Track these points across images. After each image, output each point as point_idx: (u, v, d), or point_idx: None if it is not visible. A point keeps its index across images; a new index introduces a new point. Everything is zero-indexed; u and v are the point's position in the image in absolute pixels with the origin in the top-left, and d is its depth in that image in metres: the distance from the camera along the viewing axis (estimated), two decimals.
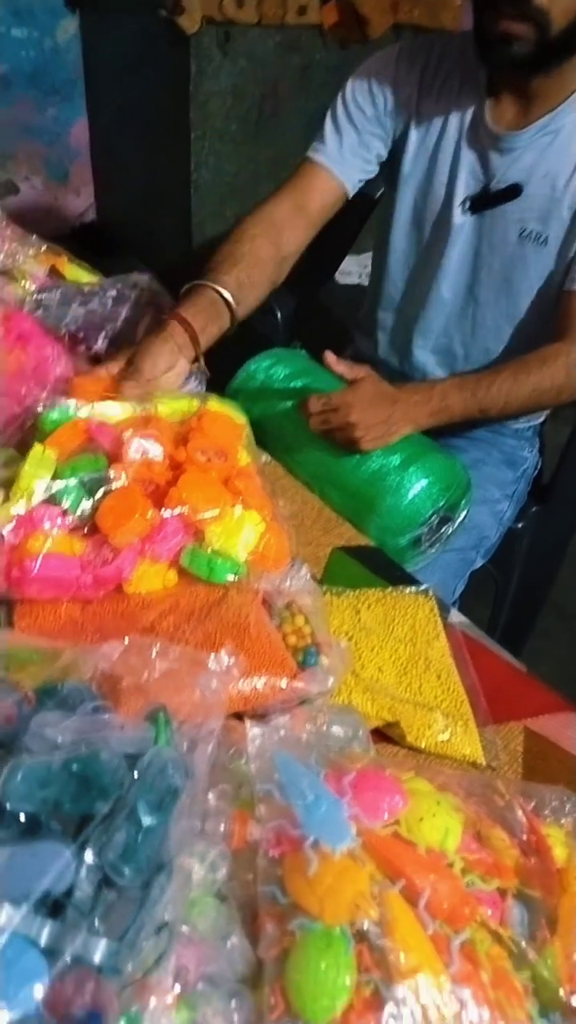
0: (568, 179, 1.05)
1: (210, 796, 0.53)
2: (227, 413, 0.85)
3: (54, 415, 0.80)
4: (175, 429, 0.80)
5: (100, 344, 1.08)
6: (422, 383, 1.08)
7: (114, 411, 0.81)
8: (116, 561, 0.67)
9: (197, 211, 2.42)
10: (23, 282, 1.20)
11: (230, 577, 0.71)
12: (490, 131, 1.08)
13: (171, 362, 0.96)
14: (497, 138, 1.07)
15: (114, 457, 0.75)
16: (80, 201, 2.95)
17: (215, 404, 0.85)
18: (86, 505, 0.71)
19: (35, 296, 1.15)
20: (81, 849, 0.44)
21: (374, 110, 1.15)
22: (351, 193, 1.19)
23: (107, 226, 2.93)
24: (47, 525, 0.69)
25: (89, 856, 0.44)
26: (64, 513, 0.71)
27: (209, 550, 0.71)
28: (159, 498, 0.72)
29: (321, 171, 1.17)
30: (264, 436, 1.07)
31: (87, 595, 0.68)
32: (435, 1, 2.28)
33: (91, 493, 0.72)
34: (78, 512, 0.71)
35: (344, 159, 1.17)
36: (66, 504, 0.71)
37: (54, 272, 1.32)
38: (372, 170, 1.20)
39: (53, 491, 0.71)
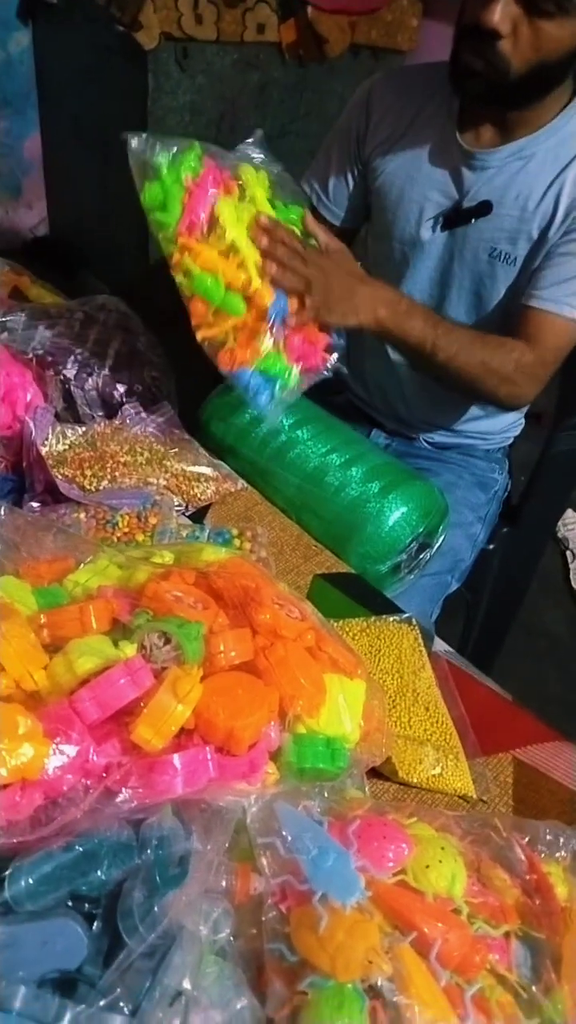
0: (538, 202, 1.06)
1: (211, 849, 0.52)
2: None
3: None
4: (195, 576, 0.63)
5: (69, 368, 1.06)
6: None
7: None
8: (251, 755, 0.53)
9: None
10: None
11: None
12: (464, 149, 1.10)
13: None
14: (470, 155, 1.09)
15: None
16: (33, 215, 2.90)
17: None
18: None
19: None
20: (89, 920, 0.42)
21: (353, 148, 1.21)
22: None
23: (61, 240, 2.88)
24: None
25: (98, 927, 0.42)
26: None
27: (321, 736, 0.58)
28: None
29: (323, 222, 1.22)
30: (238, 462, 1.06)
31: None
32: (392, 22, 2.30)
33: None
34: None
35: (334, 205, 1.26)
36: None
37: (16, 293, 1.29)
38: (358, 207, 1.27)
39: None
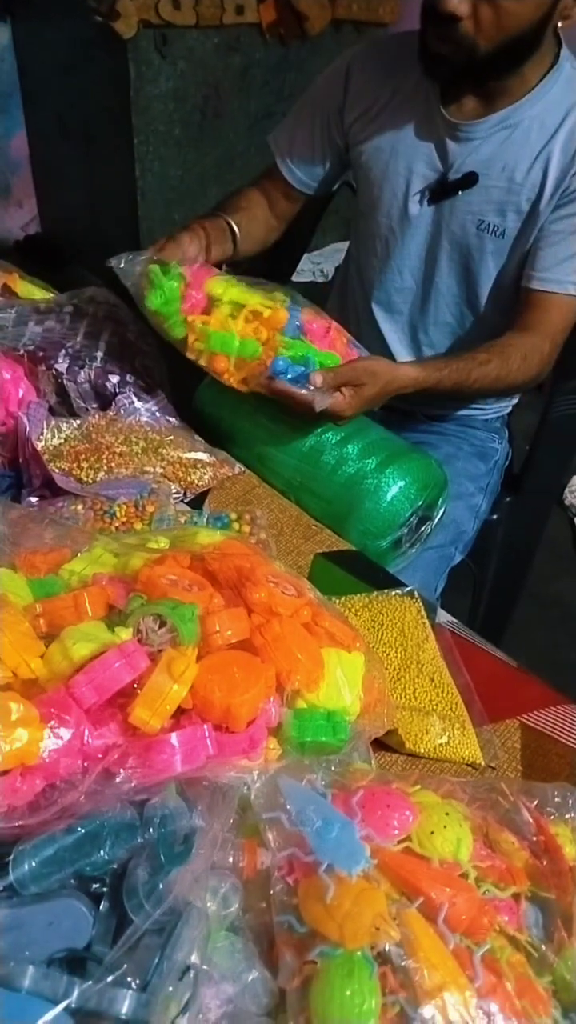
0: (526, 173, 1.05)
1: (216, 826, 0.52)
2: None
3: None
4: (190, 559, 0.64)
5: (61, 362, 1.06)
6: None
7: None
8: (250, 731, 0.53)
9: (145, 217, 2.39)
10: None
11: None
12: (448, 121, 1.08)
13: (198, 252, 1.05)
14: (455, 127, 1.08)
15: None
16: (23, 213, 2.90)
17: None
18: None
19: None
20: (96, 901, 0.43)
21: (329, 118, 1.19)
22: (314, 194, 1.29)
23: (53, 237, 2.88)
24: None
25: (105, 906, 0.43)
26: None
27: (321, 710, 0.59)
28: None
29: (281, 180, 1.25)
30: (234, 444, 1.06)
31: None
32: None
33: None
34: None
35: (295, 167, 1.25)
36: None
37: (6, 290, 1.29)
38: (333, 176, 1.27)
39: None
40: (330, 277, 2.65)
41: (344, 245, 1.43)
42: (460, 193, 1.10)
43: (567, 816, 0.60)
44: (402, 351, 1.27)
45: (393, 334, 1.27)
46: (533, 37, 0.97)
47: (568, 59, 1.05)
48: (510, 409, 1.34)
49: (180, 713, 0.51)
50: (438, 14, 0.93)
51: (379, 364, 1.01)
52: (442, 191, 1.12)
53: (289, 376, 0.93)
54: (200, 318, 0.96)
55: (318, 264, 2.76)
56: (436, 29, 0.96)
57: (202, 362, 0.97)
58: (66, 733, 0.43)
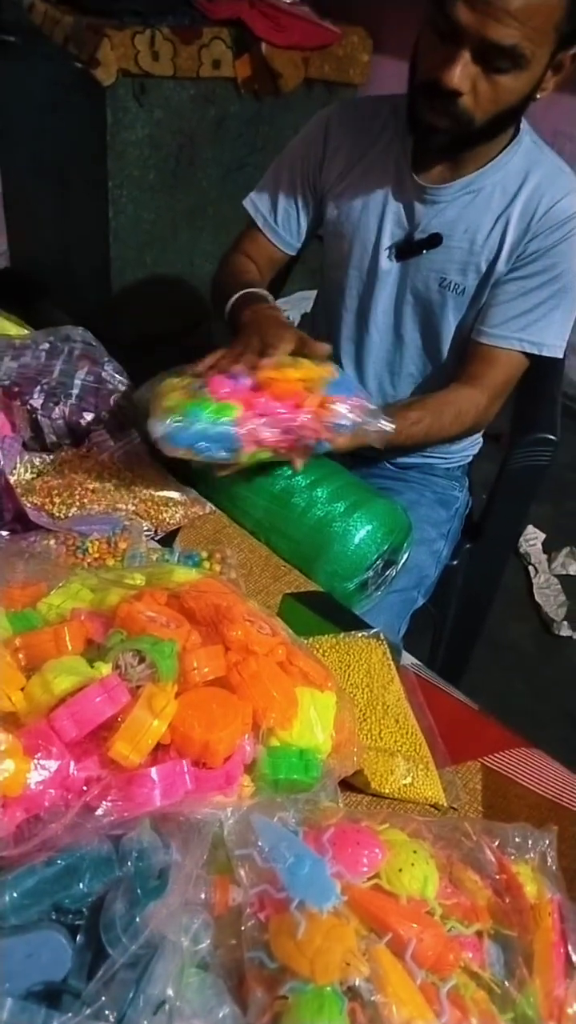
0: (487, 235, 1.11)
1: (189, 862, 0.53)
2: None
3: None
4: (167, 596, 0.64)
5: (36, 398, 1.07)
6: None
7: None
8: (226, 767, 0.54)
9: (116, 258, 2.43)
10: None
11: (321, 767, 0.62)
12: (416, 183, 1.14)
13: (293, 345, 1.03)
14: (423, 190, 1.13)
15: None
16: None
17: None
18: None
19: None
20: (73, 933, 0.43)
21: (309, 174, 1.24)
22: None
23: (22, 273, 2.90)
24: None
25: (81, 940, 0.43)
26: None
27: (295, 748, 0.59)
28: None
29: (267, 243, 1.31)
30: (206, 484, 1.08)
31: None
32: (344, 57, 2.37)
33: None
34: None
35: (280, 228, 1.30)
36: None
37: None
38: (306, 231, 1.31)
39: None
40: (296, 324, 2.71)
41: (310, 293, 1.47)
42: (425, 252, 1.15)
43: (527, 856, 0.62)
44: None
45: (361, 383, 1.31)
46: (520, 109, 1.03)
47: (528, 131, 1.12)
48: (471, 459, 1.38)
49: (158, 748, 0.52)
50: (439, 89, 0.96)
51: None
52: (408, 249, 1.17)
53: (171, 443, 0.91)
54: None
55: (285, 311, 2.82)
56: (433, 102, 0.99)
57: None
58: (52, 765, 0.44)
